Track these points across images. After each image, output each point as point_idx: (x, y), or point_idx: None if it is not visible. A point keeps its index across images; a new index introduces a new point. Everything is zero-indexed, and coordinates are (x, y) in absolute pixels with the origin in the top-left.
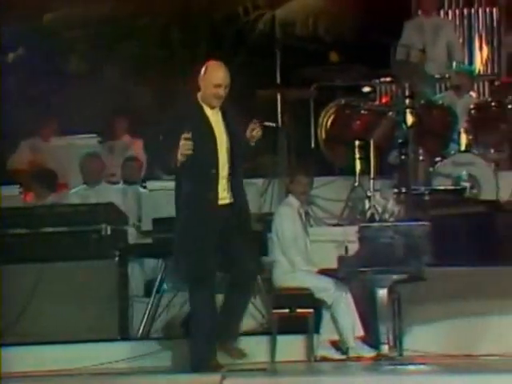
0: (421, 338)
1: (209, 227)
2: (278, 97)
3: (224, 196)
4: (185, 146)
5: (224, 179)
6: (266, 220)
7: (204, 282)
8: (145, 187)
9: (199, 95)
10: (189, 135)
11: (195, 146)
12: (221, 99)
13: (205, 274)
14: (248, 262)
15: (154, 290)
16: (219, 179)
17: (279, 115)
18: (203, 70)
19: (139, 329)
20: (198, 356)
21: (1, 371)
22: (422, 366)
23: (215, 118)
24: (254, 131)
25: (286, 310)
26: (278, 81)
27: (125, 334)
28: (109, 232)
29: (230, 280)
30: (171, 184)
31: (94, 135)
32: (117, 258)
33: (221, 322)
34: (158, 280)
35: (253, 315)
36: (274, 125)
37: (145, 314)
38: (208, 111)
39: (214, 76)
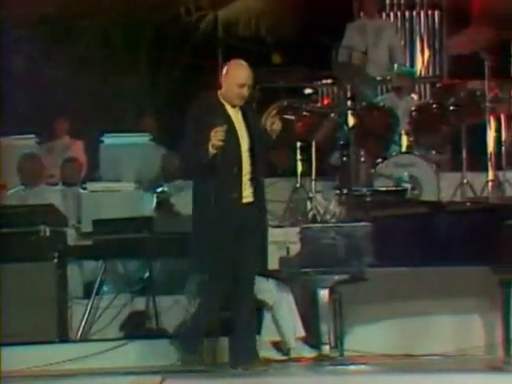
0: (362, 339)
1: (232, 226)
2: None
3: (246, 195)
4: (217, 137)
5: (246, 178)
6: None
7: (221, 280)
8: (85, 188)
9: (220, 93)
10: (223, 128)
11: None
12: (244, 98)
13: (224, 272)
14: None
15: (94, 291)
16: (242, 178)
17: None
18: (226, 68)
19: (78, 331)
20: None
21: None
22: (362, 366)
23: (236, 116)
24: (274, 125)
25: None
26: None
27: (64, 336)
28: (48, 233)
29: (238, 280)
30: (112, 185)
31: (33, 136)
32: (56, 260)
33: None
34: (98, 282)
35: None
36: (292, 118)
37: (84, 315)
38: (229, 109)
39: (238, 75)
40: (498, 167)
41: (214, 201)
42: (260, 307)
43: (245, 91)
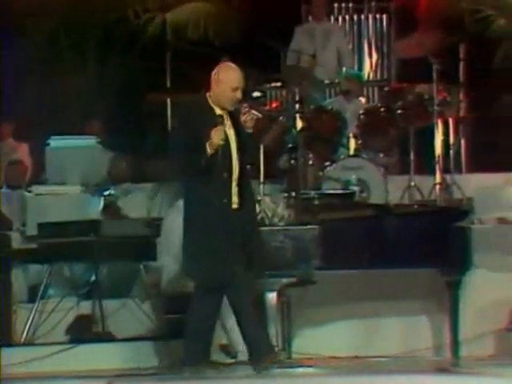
0: (310, 341)
1: (223, 232)
2: (168, 101)
3: (234, 200)
4: (218, 136)
5: (234, 183)
6: (155, 225)
7: (217, 286)
8: (30, 191)
9: (209, 96)
10: (223, 126)
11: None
12: (237, 102)
13: (220, 277)
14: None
15: (39, 295)
16: (232, 183)
17: (169, 119)
18: (216, 72)
19: (23, 334)
20: (190, 353)
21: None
22: (310, 369)
23: (228, 120)
24: (246, 116)
25: (175, 315)
26: (168, 84)
27: (8, 340)
28: None
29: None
30: (58, 188)
31: None
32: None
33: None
34: (43, 285)
35: (141, 320)
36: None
37: (28, 319)
38: (219, 113)
39: (232, 79)
40: (446, 170)
41: (206, 206)
42: None
43: (238, 94)
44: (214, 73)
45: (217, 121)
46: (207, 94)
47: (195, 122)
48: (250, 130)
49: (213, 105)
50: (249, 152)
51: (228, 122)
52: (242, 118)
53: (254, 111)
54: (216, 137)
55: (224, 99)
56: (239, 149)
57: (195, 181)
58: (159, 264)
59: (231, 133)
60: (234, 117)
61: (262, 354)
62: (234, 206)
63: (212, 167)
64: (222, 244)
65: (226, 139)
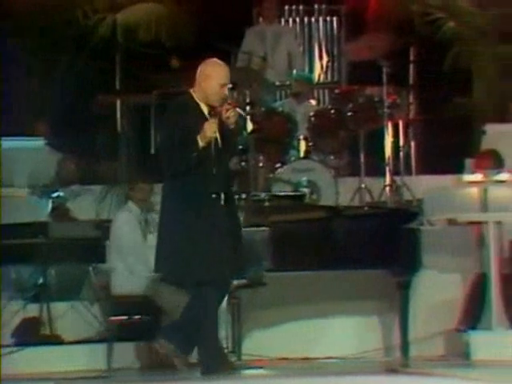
0: (261, 343)
1: (214, 228)
2: (118, 102)
3: (222, 196)
4: (212, 128)
5: (222, 178)
6: (104, 227)
7: (209, 285)
8: None
9: (193, 92)
10: (215, 120)
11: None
12: (223, 99)
13: (211, 275)
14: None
15: None
16: (220, 178)
17: (119, 121)
18: (202, 68)
19: None
20: (211, 358)
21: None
22: (259, 370)
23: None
24: (229, 112)
25: (124, 317)
26: (118, 86)
27: None
28: None
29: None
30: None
31: None
32: None
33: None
34: None
35: (90, 322)
36: (243, 113)
37: None
38: (204, 109)
39: (220, 76)
40: (396, 172)
41: (197, 202)
42: (158, 312)
43: (226, 90)
44: (200, 69)
45: (203, 116)
46: (191, 90)
47: (183, 120)
48: (232, 126)
49: (198, 101)
50: (230, 148)
51: (229, 120)
52: (225, 114)
53: (237, 108)
54: (209, 130)
55: (212, 95)
56: (222, 145)
57: (186, 177)
58: (109, 266)
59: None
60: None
61: (218, 365)
62: (223, 201)
63: (203, 162)
64: (214, 240)
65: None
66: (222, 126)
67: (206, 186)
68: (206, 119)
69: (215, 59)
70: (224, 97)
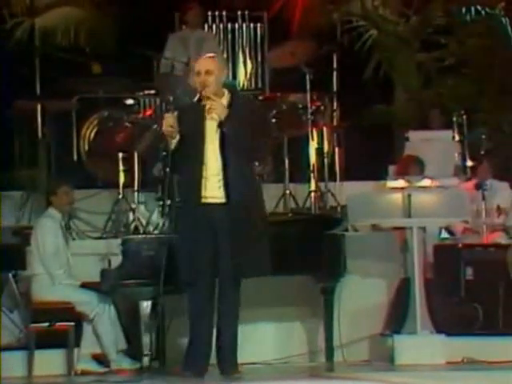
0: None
1: (195, 228)
2: (38, 108)
3: (216, 195)
4: (167, 122)
5: (215, 177)
6: (24, 233)
7: (194, 284)
8: None
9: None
10: (172, 114)
11: (185, 142)
12: (204, 86)
13: (193, 275)
14: (236, 265)
15: None
16: (205, 179)
17: (39, 127)
18: None
19: None
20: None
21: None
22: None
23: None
24: (208, 104)
25: (45, 324)
26: (38, 91)
27: None
28: None
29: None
30: None
31: None
32: None
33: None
34: None
35: (10, 330)
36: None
37: None
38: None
39: (197, 64)
40: (321, 178)
41: (180, 201)
42: (80, 319)
43: (202, 78)
44: None
45: (197, 114)
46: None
47: (181, 118)
48: (215, 118)
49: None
50: (232, 148)
51: (206, 113)
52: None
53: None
54: (164, 125)
55: (195, 86)
56: (222, 145)
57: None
58: (30, 273)
59: (213, 128)
60: (229, 112)
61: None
62: (212, 200)
63: (185, 161)
64: (191, 241)
65: (202, 133)
66: (230, 130)
67: (185, 185)
68: (202, 116)
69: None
70: (201, 85)
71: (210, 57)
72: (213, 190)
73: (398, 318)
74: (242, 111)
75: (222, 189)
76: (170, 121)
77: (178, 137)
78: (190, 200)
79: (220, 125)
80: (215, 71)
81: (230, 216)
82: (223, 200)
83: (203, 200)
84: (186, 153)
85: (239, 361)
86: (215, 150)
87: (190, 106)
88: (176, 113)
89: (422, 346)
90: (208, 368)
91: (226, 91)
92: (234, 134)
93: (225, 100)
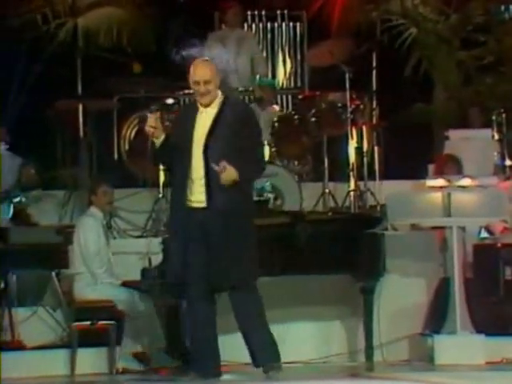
0: (226, 348)
1: (180, 231)
2: (80, 108)
3: (200, 199)
4: (148, 123)
5: (199, 181)
6: (67, 232)
7: (191, 287)
8: None
9: None
10: (156, 113)
11: (177, 145)
12: (203, 96)
13: (178, 278)
14: (221, 270)
15: None
16: (191, 181)
17: (81, 126)
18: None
19: None
20: (200, 361)
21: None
22: (226, 376)
23: (205, 117)
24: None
25: (87, 323)
26: (80, 91)
27: None
28: None
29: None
30: None
31: None
32: None
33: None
34: None
35: (53, 328)
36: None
37: None
38: (202, 110)
39: (193, 73)
40: (360, 177)
41: (170, 205)
42: (121, 318)
43: (202, 88)
44: None
45: (189, 119)
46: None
47: (181, 121)
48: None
49: (197, 101)
50: (216, 154)
51: (206, 119)
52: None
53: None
54: (147, 125)
55: (195, 94)
56: (210, 148)
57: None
58: (72, 272)
59: (203, 131)
60: (221, 114)
61: (266, 360)
62: (197, 205)
63: (174, 164)
64: (177, 244)
65: (190, 137)
66: (218, 138)
67: (175, 187)
68: (193, 121)
69: (201, 59)
70: (202, 94)
71: (205, 64)
72: (198, 194)
73: (437, 318)
74: (232, 115)
75: (205, 193)
76: (151, 121)
77: (162, 136)
78: (177, 202)
79: (209, 129)
80: (213, 78)
81: (212, 220)
82: (204, 204)
83: (188, 203)
84: (177, 157)
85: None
86: (201, 154)
87: (187, 108)
88: (158, 113)
89: (461, 346)
90: (220, 369)
91: (219, 93)
92: (221, 139)
93: (216, 103)
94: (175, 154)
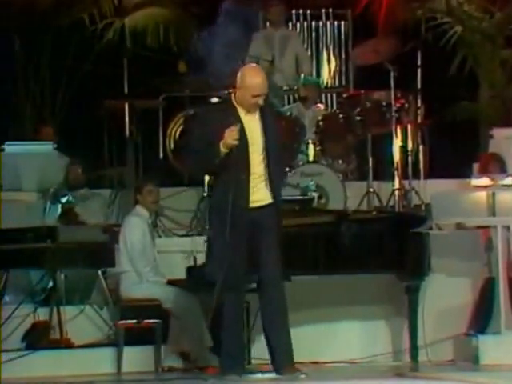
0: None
1: (239, 232)
2: (126, 107)
3: (259, 198)
4: (232, 136)
5: (260, 181)
6: (113, 231)
7: (235, 287)
8: None
9: (233, 96)
10: (237, 127)
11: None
12: (258, 107)
13: (235, 279)
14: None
15: None
16: (251, 182)
17: (127, 125)
18: (241, 74)
19: None
20: (229, 357)
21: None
22: (269, 375)
23: (250, 118)
24: (231, 133)
25: (133, 321)
26: (126, 91)
27: None
28: None
29: (260, 285)
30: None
31: None
32: None
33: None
34: None
35: (100, 326)
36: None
37: None
38: (242, 112)
39: (254, 86)
40: (404, 176)
41: (223, 207)
42: (167, 316)
43: (260, 101)
44: (239, 75)
45: (238, 119)
46: (232, 93)
47: (215, 121)
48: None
49: (235, 103)
50: (274, 152)
51: (252, 120)
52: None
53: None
54: (230, 137)
55: (246, 104)
56: (265, 147)
57: (216, 178)
58: (118, 270)
59: (255, 131)
60: (264, 114)
61: (283, 362)
62: (255, 204)
63: (228, 167)
64: (237, 245)
65: (245, 139)
66: (269, 132)
67: (231, 190)
68: (242, 123)
69: (254, 66)
70: (257, 106)
71: (263, 76)
72: (257, 193)
73: (482, 318)
74: (271, 116)
75: (265, 191)
76: (235, 135)
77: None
78: (236, 206)
79: (263, 130)
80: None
81: (272, 216)
82: (267, 201)
83: (245, 203)
84: (231, 160)
85: (324, 359)
86: (259, 154)
87: (224, 108)
88: (239, 125)
89: (506, 346)
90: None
91: None
92: (271, 139)
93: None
94: (229, 155)
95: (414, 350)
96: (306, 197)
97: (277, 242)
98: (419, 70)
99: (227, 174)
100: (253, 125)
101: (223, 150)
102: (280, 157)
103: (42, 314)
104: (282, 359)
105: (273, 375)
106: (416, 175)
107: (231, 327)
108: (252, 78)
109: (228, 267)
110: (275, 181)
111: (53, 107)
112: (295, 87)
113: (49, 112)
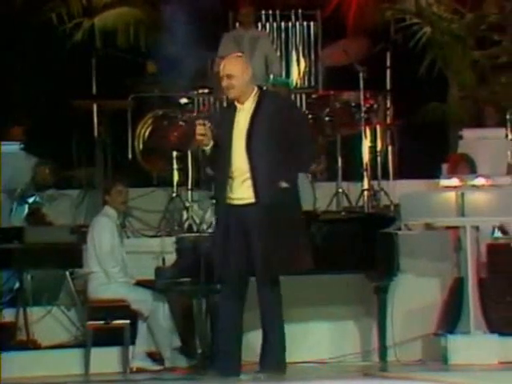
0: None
1: (224, 229)
2: (95, 107)
3: (241, 196)
4: (198, 131)
5: (243, 178)
6: (81, 232)
7: (225, 284)
8: None
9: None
10: (204, 121)
11: (219, 144)
12: (230, 90)
13: (223, 275)
14: (267, 264)
15: None
16: (235, 179)
17: (95, 126)
18: None
19: None
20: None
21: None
22: (240, 376)
23: (243, 115)
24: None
25: (101, 322)
26: (95, 91)
27: None
28: None
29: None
30: None
31: None
32: None
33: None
34: None
35: (67, 328)
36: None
37: None
38: (239, 108)
39: (221, 68)
40: (374, 177)
41: (215, 202)
42: (135, 317)
43: (224, 82)
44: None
45: (228, 117)
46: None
47: (216, 122)
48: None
49: (234, 100)
50: (260, 150)
51: (244, 116)
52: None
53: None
54: (196, 133)
55: (226, 93)
56: (251, 144)
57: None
58: (86, 271)
59: (242, 128)
60: (259, 111)
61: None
62: (239, 202)
63: (217, 162)
64: (221, 242)
65: (230, 135)
66: (260, 134)
67: (217, 186)
68: (231, 119)
69: (231, 55)
70: (227, 88)
71: (233, 59)
72: (241, 191)
73: (451, 318)
74: (270, 108)
75: (249, 189)
76: (200, 129)
77: (211, 143)
78: (220, 203)
79: (249, 125)
80: (237, 74)
81: (258, 216)
82: (251, 200)
83: (228, 201)
84: (219, 156)
85: (294, 359)
86: (243, 150)
87: (226, 108)
88: (207, 121)
89: (475, 346)
90: (240, 368)
91: (255, 89)
92: (261, 133)
93: (252, 98)
94: (219, 154)
95: (382, 349)
96: None
97: (262, 242)
98: (388, 71)
99: (215, 171)
100: (242, 118)
101: (201, 147)
102: (277, 152)
103: (8, 314)
104: (271, 362)
105: (245, 376)
106: (385, 176)
107: (227, 327)
108: (222, 63)
109: (218, 265)
110: (260, 179)
111: (21, 107)
112: (264, 88)
113: (17, 112)
